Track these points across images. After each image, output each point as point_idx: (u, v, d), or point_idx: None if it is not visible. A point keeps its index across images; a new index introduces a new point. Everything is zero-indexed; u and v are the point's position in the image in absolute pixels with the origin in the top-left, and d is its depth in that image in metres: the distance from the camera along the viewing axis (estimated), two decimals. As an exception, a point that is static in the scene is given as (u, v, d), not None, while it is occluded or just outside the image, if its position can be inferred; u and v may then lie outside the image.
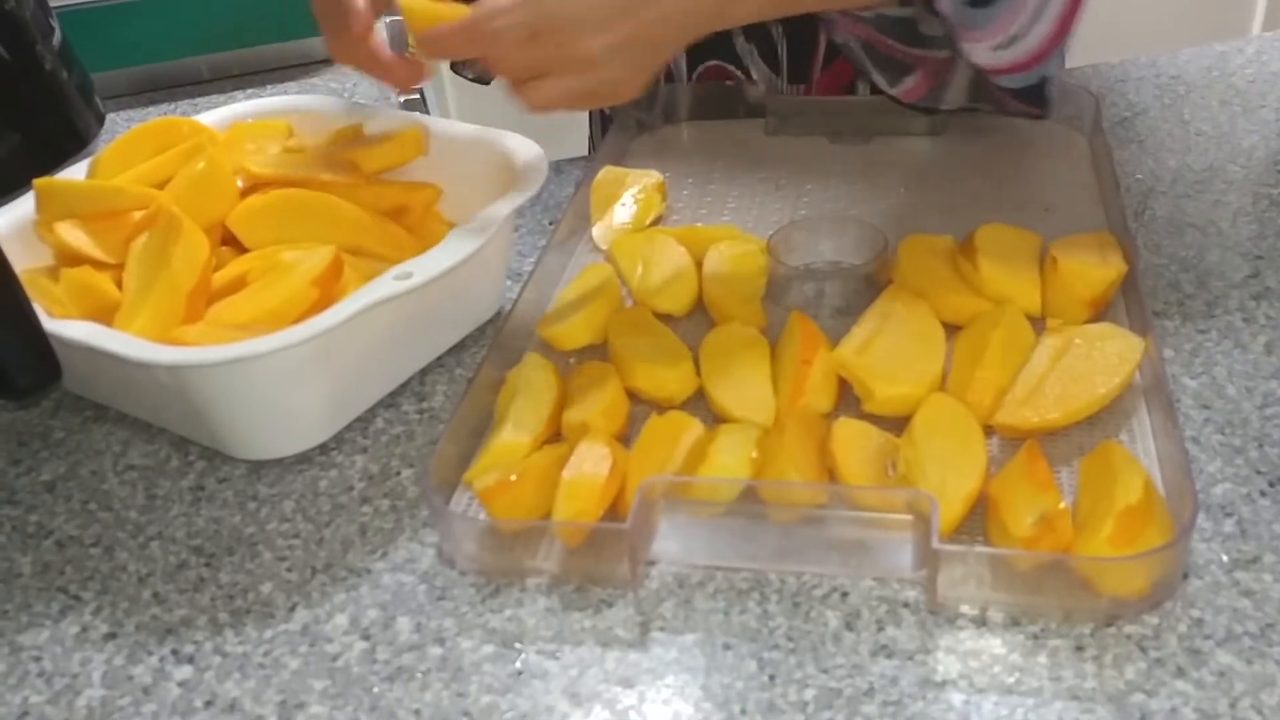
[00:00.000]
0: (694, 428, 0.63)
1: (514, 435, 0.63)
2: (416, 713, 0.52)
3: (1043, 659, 0.52)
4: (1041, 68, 0.81)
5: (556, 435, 0.65)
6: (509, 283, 0.80)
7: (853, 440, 0.61)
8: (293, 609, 0.58)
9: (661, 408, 0.67)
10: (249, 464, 0.67)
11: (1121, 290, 0.72)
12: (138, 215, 0.71)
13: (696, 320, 0.74)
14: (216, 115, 0.84)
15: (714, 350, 0.69)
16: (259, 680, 0.54)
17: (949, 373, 0.66)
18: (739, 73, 0.97)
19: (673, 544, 0.58)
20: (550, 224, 0.88)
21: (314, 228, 0.73)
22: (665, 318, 0.74)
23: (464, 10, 0.68)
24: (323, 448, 0.68)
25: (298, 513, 0.64)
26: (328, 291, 0.67)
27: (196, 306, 0.68)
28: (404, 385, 0.72)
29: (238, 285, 0.70)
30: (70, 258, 0.71)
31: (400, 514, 0.63)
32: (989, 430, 0.62)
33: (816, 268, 0.78)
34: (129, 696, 0.54)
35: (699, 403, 0.67)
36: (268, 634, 0.56)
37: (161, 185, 0.74)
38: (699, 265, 0.77)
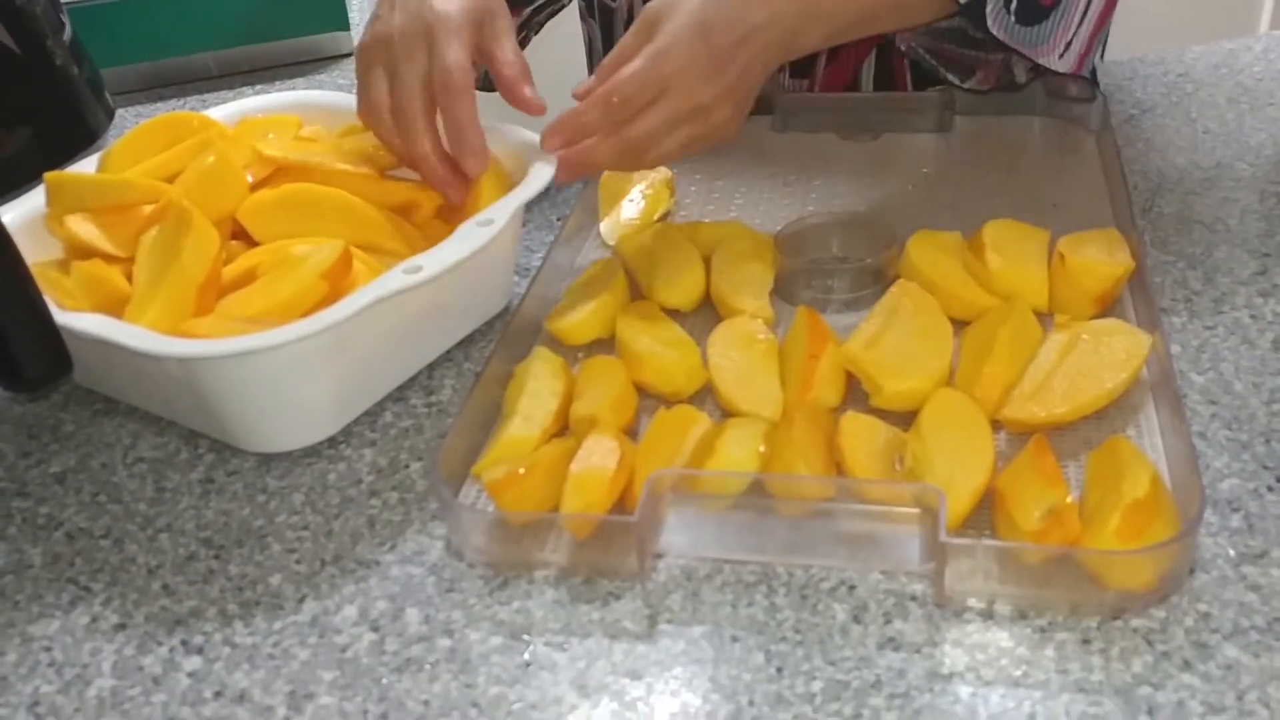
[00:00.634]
0: (702, 421, 0.63)
1: (522, 429, 0.63)
2: (425, 703, 0.52)
3: (1050, 652, 0.52)
4: (1088, 65, 0.84)
5: (564, 429, 0.65)
6: (517, 278, 0.80)
7: (860, 434, 0.61)
8: (302, 600, 0.58)
9: (669, 401, 0.67)
10: (258, 457, 0.67)
11: (1129, 286, 0.72)
12: (148, 209, 0.71)
13: (704, 315, 0.75)
14: (225, 110, 0.85)
15: (722, 344, 0.69)
16: (268, 671, 0.54)
17: (957, 368, 0.66)
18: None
19: (680, 537, 0.59)
20: (558, 220, 0.89)
21: (324, 222, 0.73)
22: (673, 312, 0.74)
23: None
24: (331, 441, 0.68)
25: (307, 505, 0.64)
26: (337, 285, 0.68)
27: (207, 299, 0.68)
28: (412, 379, 0.72)
29: (248, 279, 0.70)
30: (81, 251, 0.72)
31: (409, 507, 0.63)
32: (996, 425, 0.62)
33: (824, 263, 0.78)
34: (139, 687, 0.54)
35: (707, 397, 0.68)
36: (277, 625, 0.57)
37: (171, 179, 0.74)
38: (707, 261, 0.77)
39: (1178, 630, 0.52)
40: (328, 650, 0.55)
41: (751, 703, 0.51)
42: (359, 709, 0.52)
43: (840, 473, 0.60)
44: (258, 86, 1.20)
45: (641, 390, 0.68)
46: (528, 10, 1.02)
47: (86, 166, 0.78)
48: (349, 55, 1.25)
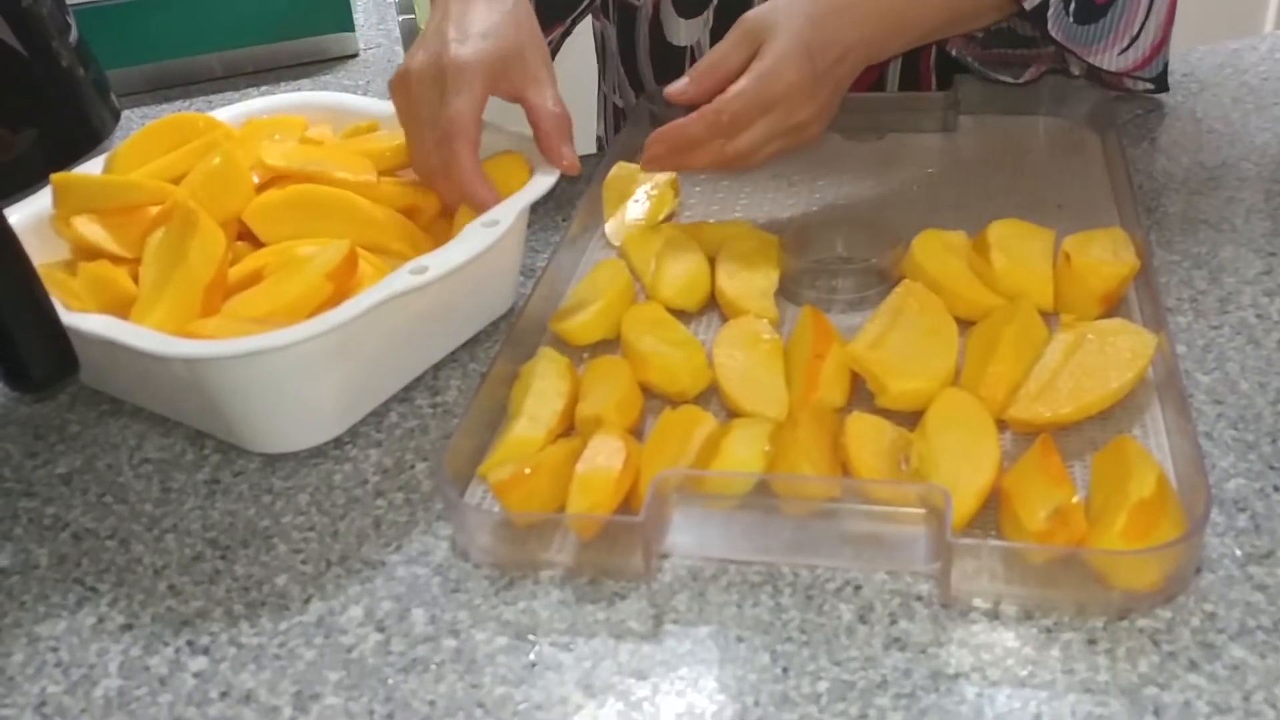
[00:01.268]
0: (707, 422, 0.63)
1: (528, 429, 0.63)
2: (431, 704, 0.52)
3: (1055, 652, 0.52)
4: (1161, 57, 0.83)
5: (570, 429, 0.65)
6: (522, 278, 0.80)
7: (866, 434, 0.61)
8: (307, 601, 0.58)
9: (674, 402, 0.67)
10: (264, 457, 0.68)
11: (1134, 286, 0.72)
12: (154, 210, 0.72)
13: (709, 315, 0.75)
14: (231, 112, 0.85)
15: (727, 345, 0.69)
16: (274, 671, 0.54)
17: (962, 368, 0.66)
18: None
19: (686, 537, 0.59)
20: (563, 221, 0.89)
21: (329, 223, 0.73)
22: (678, 313, 0.74)
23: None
24: (337, 441, 0.68)
25: (312, 506, 0.64)
26: (342, 286, 0.68)
27: (213, 300, 0.68)
28: (418, 379, 0.73)
29: (253, 279, 0.70)
30: (87, 252, 0.72)
31: (414, 507, 0.63)
32: (1002, 425, 0.62)
33: (829, 263, 0.78)
34: (145, 687, 0.54)
35: (712, 397, 0.68)
36: (283, 626, 0.57)
37: (177, 180, 0.74)
38: (712, 261, 0.77)
39: (1184, 630, 0.52)
40: (333, 650, 0.55)
41: (757, 703, 0.51)
42: (365, 709, 0.52)
43: (845, 473, 0.60)
44: (263, 87, 1.20)
45: (646, 390, 0.68)
46: (569, 20, 0.98)
47: (92, 168, 0.78)
48: (354, 56, 1.26)
